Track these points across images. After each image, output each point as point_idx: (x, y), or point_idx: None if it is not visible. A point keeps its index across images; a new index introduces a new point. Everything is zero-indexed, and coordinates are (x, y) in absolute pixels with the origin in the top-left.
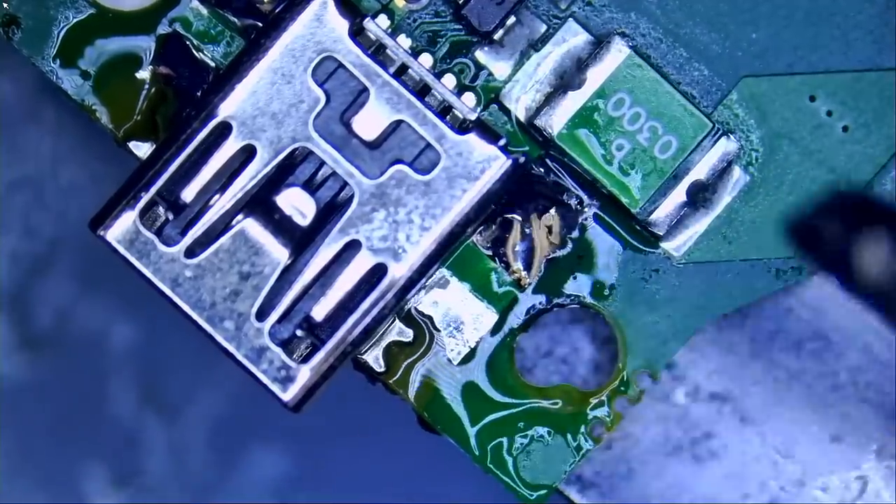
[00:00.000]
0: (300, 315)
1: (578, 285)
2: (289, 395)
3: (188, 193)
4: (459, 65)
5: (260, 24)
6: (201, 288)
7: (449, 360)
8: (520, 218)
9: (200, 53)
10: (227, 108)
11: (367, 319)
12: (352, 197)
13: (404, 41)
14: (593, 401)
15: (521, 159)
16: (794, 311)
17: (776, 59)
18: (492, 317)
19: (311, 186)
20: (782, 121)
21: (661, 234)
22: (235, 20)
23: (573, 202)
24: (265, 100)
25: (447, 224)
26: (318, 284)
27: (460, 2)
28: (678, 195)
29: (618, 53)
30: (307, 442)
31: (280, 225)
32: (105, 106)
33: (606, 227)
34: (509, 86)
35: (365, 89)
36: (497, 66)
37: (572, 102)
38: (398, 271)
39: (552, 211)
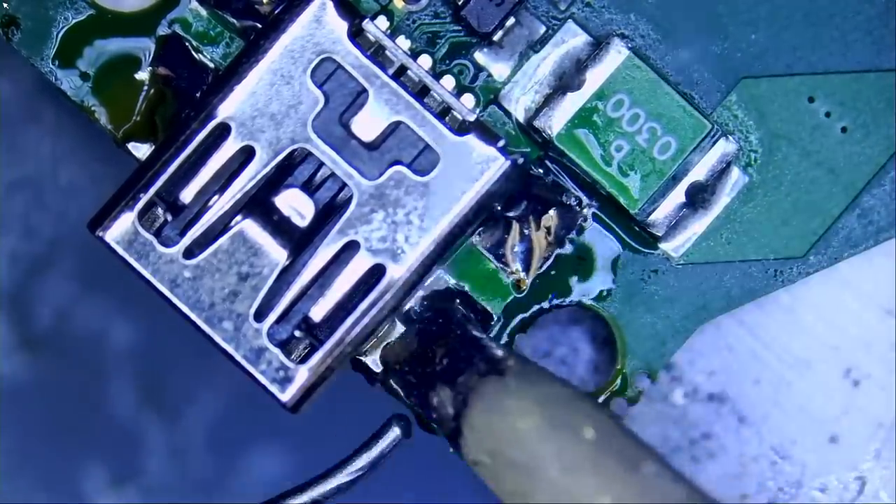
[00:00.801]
0: (299, 316)
1: (577, 286)
2: (287, 395)
3: (187, 194)
4: (458, 66)
5: (259, 26)
6: (200, 289)
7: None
8: (518, 219)
9: (199, 54)
10: (227, 109)
11: (366, 320)
12: (350, 198)
13: (403, 42)
14: None
15: (520, 160)
16: (793, 312)
17: (775, 60)
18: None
19: (309, 187)
20: (781, 122)
21: (660, 234)
22: (234, 21)
23: (572, 203)
24: (264, 101)
25: (446, 225)
26: (316, 285)
27: (459, 3)
28: (677, 196)
29: (617, 55)
30: (307, 442)
31: (279, 226)
32: (104, 107)
33: (605, 228)
34: (508, 87)
35: (364, 90)
36: (496, 67)
37: (571, 103)
38: (397, 272)
39: (551, 212)
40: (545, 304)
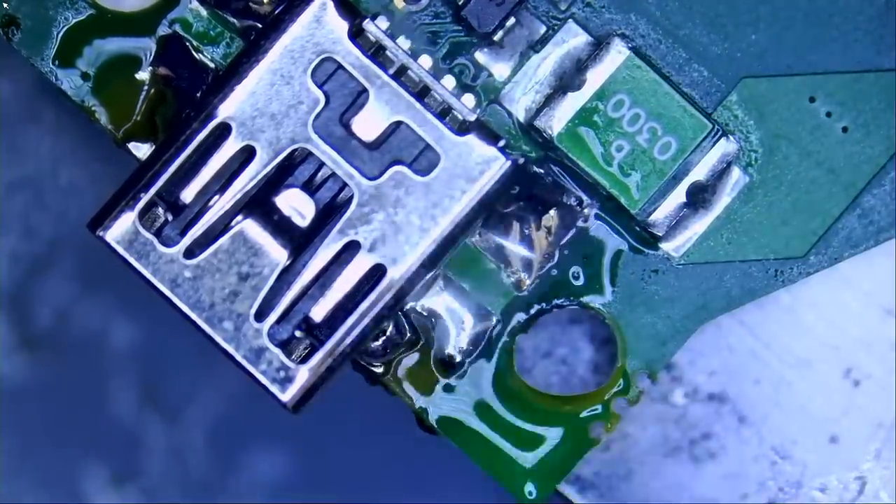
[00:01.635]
0: (299, 316)
1: (577, 286)
2: (287, 395)
3: (187, 194)
4: (459, 66)
5: (259, 26)
6: (200, 288)
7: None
8: (519, 219)
9: (200, 54)
10: (227, 109)
11: (366, 320)
12: (351, 198)
13: (404, 42)
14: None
15: (521, 160)
16: (793, 312)
17: (776, 59)
18: (492, 318)
19: (310, 187)
20: (782, 122)
21: (660, 234)
22: (235, 21)
23: (573, 203)
24: (264, 101)
25: (446, 225)
26: (317, 285)
27: (460, 3)
28: (678, 196)
29: (617, 55)
30: (307, 442)
31: (279, 226)
32: (104, 107)
33: (606, 228)
34: (509, 87)
35: (364, 90)
36: (497, 67)
37: (572, 103)
38: (397, 272)
39: (552, 212)
40: (545, 304)
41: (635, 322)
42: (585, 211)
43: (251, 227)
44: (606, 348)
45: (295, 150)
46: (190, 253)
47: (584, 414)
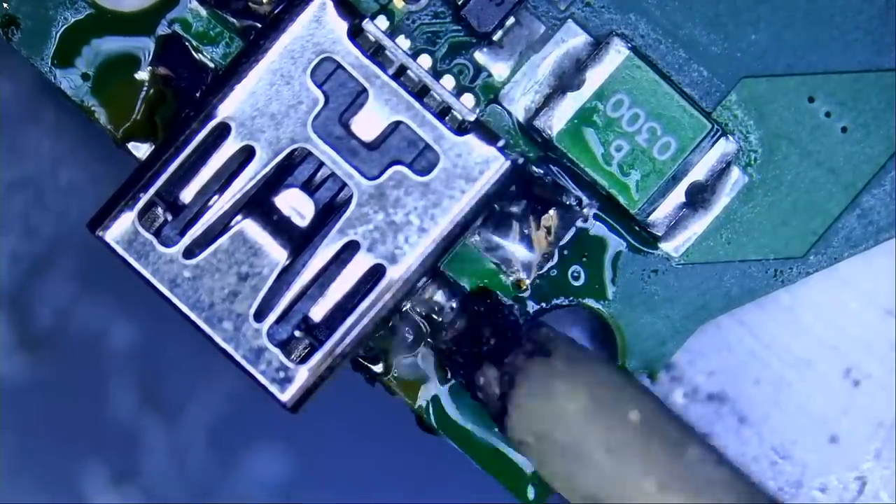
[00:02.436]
0: (298, 316)
1: (577, 286)
2: (287, 395)
3: (187, 194)
4: (458, 66)
5: (259, 26)
6: (200, 288)
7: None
8: (519, 219)
9: (199, 54)
10: (226, 109)
11: (366, 320)
12: (350, 198)
13: (403, 42)
14: None
15: (520, 160)
16: (793, 312)
17: (775, 59)
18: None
19: (309, 187)
20: (781, 121)
21: (660, 234)
22: (234, 21)
23: (572, 203)
24: (264, 101)
25: (446, 225)
26: (316, 285)
27: (459, 3)
28: (677, 196)
29: (617, 54)
30: (307, 442)
31: (279, 226)
32: (104, 107)
33: (605, 228)
34: (508, 87)
35: (364, 90)
36: (496, 66)
37: (571, 103)
38: (396, 272)
39: (551, 212)
40: (545, 304)
41: (635, 322)
42: (585, 211)
43: (251, 227)
44: (606, 348)
45: (294, 150)
46: (189, 253)
47: None
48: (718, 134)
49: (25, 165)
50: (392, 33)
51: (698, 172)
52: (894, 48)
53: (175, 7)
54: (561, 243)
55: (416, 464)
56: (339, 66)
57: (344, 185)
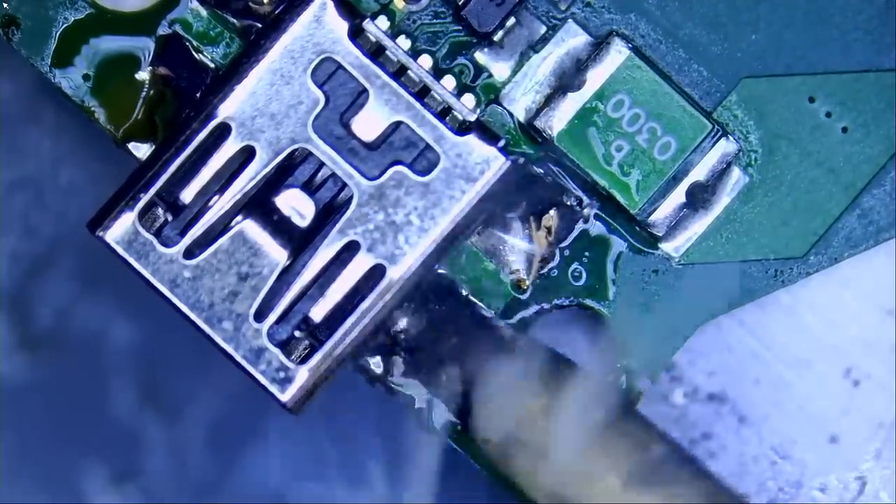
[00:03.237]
0: (299, 316)
1: (578, 286)
2: (287, 395)
3: (187, 194)
4: (459, 66)
5: (259, 26)
6: (200, 289)
7: None
8: (519, 219)
9: (200, 54)
10: (227, 109)
11: (366, 320)
12: (351, 198)
13: (404, 42)
14: None
15: (521, 160)
16: (793, 312)
17: (775, 59)
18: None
19: (310, 187)
20: (781, 122)
21: (660, 234)
22: (235, 21)
23: (573, 203)
24: (264, 101)
25: (446, 225)
26: (316, 285)
27: (460, 3)
28: (677, 196)
29: (617, 54)
30: (307, 442)
31: (279, 226)
32: (104, 107)
33: (606, 228)
34: (509, 87)
35: (364, 90)
36: (497, 67)
37: (572, 103)
38: (397, 272)
39: (551, 212)
40: (545, 304)
41: (635, 322)
42: (585, 211)
43: (251, 228)
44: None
45: (295, 150)
46: (189, 253)
47: None
48: (719, 134)
49: (25, 165)
50: (392, 33)
51: (699, 173)
52: (894, 48)
53: (175, 7)
54: (561, 243)
55: (416, 464)
56: (340, 66)
57: (344, 185)
